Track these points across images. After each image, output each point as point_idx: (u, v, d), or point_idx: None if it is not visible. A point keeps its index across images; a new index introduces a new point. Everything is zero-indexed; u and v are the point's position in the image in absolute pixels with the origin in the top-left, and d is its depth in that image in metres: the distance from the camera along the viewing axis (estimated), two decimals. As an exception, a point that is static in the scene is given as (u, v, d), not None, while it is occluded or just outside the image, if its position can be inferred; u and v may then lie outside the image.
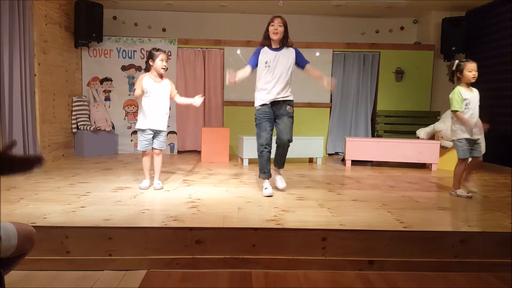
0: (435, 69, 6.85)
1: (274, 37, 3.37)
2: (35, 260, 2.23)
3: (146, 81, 3.50)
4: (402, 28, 7.17)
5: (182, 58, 6.61)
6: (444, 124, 5.15)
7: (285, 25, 3.38)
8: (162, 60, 3.49)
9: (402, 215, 2.80)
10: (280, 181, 3.62)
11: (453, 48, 6.50)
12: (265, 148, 3.45)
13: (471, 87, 3.55)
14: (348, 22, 7.09)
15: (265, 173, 3.52)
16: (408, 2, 6.23)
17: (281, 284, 2.16)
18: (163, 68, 3.51)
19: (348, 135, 6.80)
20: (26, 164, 1.17)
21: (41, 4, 4.98)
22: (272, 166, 3.63)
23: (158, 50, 3.52)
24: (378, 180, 4.37)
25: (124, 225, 2.44)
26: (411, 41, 7.08)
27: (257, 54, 3.47)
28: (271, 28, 3.37)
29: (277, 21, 3.36)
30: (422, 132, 5.58)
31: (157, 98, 3.53)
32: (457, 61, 3.55)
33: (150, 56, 3.51)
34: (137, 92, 3.42)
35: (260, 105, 3.44)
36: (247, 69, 3.45)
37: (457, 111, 3.47)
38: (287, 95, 3.46)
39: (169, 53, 6.49)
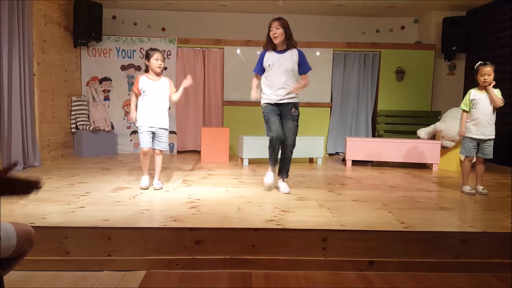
0: (435, 68, 6.85)
1: (274, 41, 3.41)
2: (34, 261, 2.22)
3: (142, 81, 3.54)
4: (402, 27, 7.15)
5: (182, 58, 6.60)
6: (445, 124, 5.14)
7: (284, 26, 3.38)
8: (157, 60, 3.50)
9: (402, 216, 2.79)
10: (283, 187, 3.56)
11: (454, 48, 6.51)
12: (276, 138, 3.37)
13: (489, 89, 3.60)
14: (348, 21, 7.08)
15: (273, 161, 3.54)
16: (408, 1, 6.22)
17: (281, 284, 2.15)
18: (158, 67, 3.51)
19: (349, 135, 6.79)
20: (25, 187, 1.13)
21: (40, 4, 4.97)
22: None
23: (153, 50, 3.54)
24: (379, 180, 4.36)
25: (123, 225, 2.43)
26: (411, 40, 7.07)
27: (261, 60, 3.53)
28: (270, 33, 3.41)
29: (274, 25, 3.38)
30: (423, 132, 5.56)
31: (154, 96, 3.54)
32: (478, 63, 3.60)
33: (147, 56, 3.55)
34: (132, 112, 3.64)
35: (266, 103, 3.51)
36: (255, 81, 3.61)
37: (463, 110, 3.71)
38: (291, 96, 3.47)
39: (168, 53, 6.49)
